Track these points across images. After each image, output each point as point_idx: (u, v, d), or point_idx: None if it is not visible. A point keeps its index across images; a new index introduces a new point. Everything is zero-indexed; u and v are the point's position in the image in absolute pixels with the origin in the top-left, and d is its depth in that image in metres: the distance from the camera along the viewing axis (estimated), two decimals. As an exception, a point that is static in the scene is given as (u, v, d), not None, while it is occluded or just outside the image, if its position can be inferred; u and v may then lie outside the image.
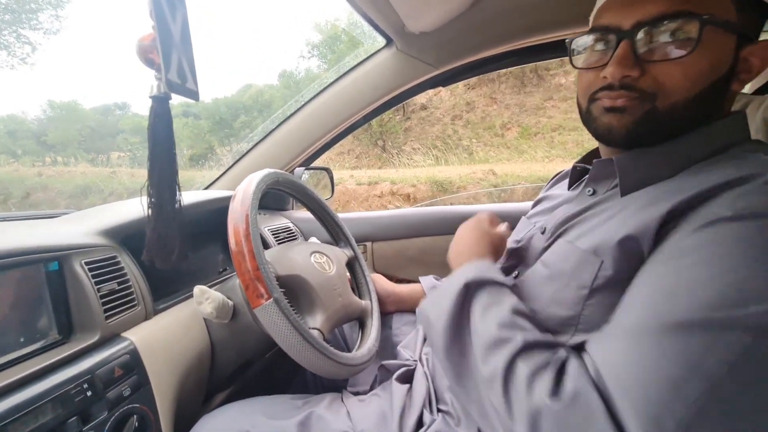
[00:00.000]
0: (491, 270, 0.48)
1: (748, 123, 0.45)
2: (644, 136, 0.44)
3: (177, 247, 0.36)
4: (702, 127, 0.43)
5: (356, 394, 0.66)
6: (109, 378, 0.50)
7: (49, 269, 0.52)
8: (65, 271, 0.53)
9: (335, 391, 0.66)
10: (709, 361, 0.29)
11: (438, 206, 1.27)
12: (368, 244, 1.20)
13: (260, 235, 0.98)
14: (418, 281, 0.87)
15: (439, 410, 0.56)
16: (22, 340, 0.48)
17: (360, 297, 0.81)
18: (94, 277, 0.54)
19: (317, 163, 1.27)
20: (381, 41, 1.01)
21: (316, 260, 0.71)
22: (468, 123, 9.64)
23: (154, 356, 0.57)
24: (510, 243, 0.60)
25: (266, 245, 0.97)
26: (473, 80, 9.46)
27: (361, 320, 0.76)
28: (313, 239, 1.01)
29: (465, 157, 8.63)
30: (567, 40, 0.50)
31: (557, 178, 0.68)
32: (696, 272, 0.33)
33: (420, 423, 0.55)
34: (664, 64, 0.41)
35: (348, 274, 0.82)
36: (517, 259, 0.57)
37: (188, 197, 0.85)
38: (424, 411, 0.56)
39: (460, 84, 8.15)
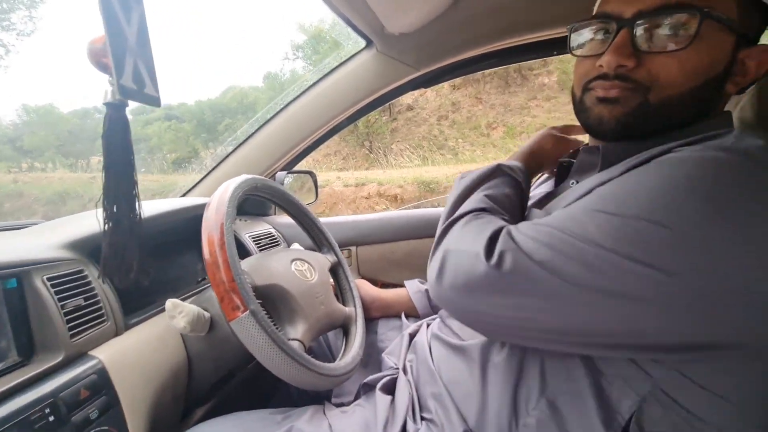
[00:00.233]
0: (520, 172, 0.55)
1: (733, 122, 0.45)
2: (634, 128, 0.44)
3: (135, 263, 0.34)
4: (692, 126, 0.43)
5: (340, 405, 0.64)
6: (75, 400, 0.48)
7: (7, 287, 0.48)
8: (25, 288, 0.50)
9: (319, 402, 0.64)
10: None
11: (423, 209, 1.26)
12: (353, 248, 1.18)
13: (241, 242, 0.96)
14: (403, 285, 0.85)
15: (422, 418, 0.55)
16: (-23, 363, 0.45)
17: (344, 304, 0.80)
18: (57, 293, 0.51)
19: (301, 166, 1.24)
20: (362, 43, 0.99)
21: (297, 268, 0.69)
22: (454, 123, 9.70)
23: (125, 374, 0.54)
24: None
25: (247, 252, 0.94)
26: (458, 80, 9.54)
27: (345, 328, 0.74)
28: (296, 245, 0.99)
29: (451, 158, 8.68)
30: (567, 27, 0.50)
31: (540, 182, 0.69)
32: (612, 187, 0.39)
33: None
34: (660, 57, 0.41)
35: (331, 280, 0.80)
36: None
37: (164, 205, 0.82)
38: (408, 420, 0.54)
39: (446, 84, 8.19)
